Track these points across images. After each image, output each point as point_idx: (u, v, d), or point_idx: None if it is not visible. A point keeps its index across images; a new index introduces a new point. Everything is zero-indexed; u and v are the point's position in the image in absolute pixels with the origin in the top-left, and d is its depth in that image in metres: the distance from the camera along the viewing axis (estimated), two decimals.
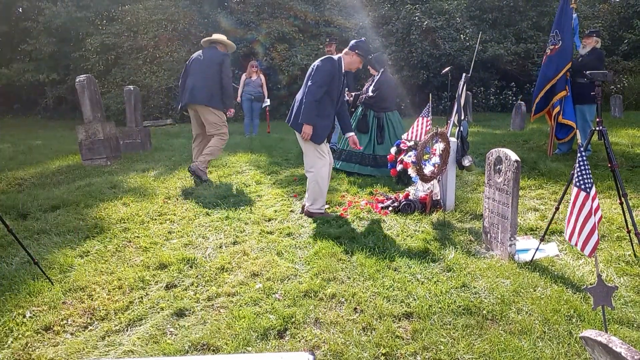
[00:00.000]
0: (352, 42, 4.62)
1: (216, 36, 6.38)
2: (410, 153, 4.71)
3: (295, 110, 4.57)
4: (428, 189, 4.72)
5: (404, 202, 4.67)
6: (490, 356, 2.30)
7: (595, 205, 2.63)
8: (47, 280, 3.15)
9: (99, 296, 2.99)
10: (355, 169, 6.29)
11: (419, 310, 2.72)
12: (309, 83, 4.42)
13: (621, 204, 3.49)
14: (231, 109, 6.20)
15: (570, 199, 2.79)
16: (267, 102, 10.75)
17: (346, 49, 4.60)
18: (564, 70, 6.52)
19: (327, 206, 4.84)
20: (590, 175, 2.67)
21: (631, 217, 3.30)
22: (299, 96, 4.60)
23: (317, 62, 4.51)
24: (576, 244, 2.68)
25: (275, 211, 4.78)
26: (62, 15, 16.42)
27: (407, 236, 3.98)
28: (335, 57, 4.54)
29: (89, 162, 7.43)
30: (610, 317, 2.60)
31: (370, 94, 6.30)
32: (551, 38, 6.68)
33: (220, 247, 3.82)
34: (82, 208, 4.89)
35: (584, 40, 6.91)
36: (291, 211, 4.79)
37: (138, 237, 4.07)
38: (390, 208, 4.73)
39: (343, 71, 4.54)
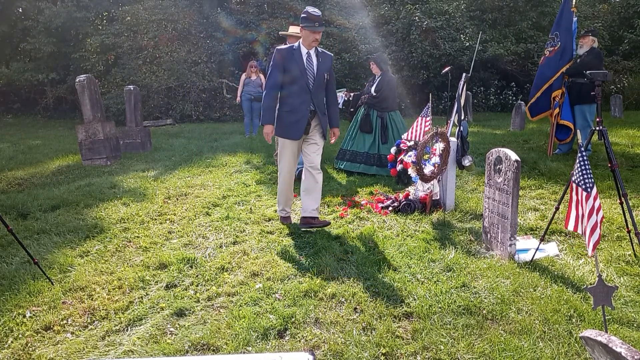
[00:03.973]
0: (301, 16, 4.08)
1: (291, 29, 6.26)
2: (410, 153, 4.71)
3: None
4: (428, 189, 4.72)
5: (404, 202, 4.67)
6: (490, 356, 2.30)
7: (597, 204, 2.63)
8: (47, 280, 3.15)
9: (99, 296, 2.98)
10: (360, 169, 6.30)
11: (419, 310, 2.72)
12: None
13: (621, 204, 3.49)
14: None
15: (570, 195, 2.80)
16: None
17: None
18: (562, 70, 6.59)
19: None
20: (591, 175, 2.67)
21: (631, 217, 3.30)
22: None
23: None
24: (575, 229, 2.73)
25: (275, 211, 4.77)
26: (62, 15, 16.39)
27: (407, 236, 3.98)
28: (290, 45, 4.23)
29: (89, 162, 7.42)
30: (610, 317, 2.60)
31: (373, 93, 6.30)
32: (550, 40, 6.74)
33: (220, 247, 3.82)
34: (82, 208, 4.89)
35: (580, 40, 6.95)
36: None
37: (138, 237, 4.07)
38: (390, 208, 4.73)
39: (307, 55, 4.04)
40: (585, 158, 2.69)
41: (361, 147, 6.33)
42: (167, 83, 15.79)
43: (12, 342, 2.51)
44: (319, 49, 4.13)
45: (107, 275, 3.30)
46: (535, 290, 2.94)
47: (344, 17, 15.91)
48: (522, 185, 5.45)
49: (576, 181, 2.72)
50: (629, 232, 3.50)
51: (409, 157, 4.67)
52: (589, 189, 2.63)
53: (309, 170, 4.17)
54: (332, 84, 4.25)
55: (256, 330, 2.53)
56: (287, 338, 2.50)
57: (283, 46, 4.22)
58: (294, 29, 6.24)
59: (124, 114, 9.87)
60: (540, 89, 6.80)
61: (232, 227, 4.27)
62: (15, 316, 2.75)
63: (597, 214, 2.61)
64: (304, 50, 4.05)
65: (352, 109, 6.70)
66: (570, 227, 2.88)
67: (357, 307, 2.79)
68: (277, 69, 4.04)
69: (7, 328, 2.64)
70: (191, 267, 3.41)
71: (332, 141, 4.34)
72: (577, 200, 2.76)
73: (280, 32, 6.55)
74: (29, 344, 2.48)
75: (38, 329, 2.62)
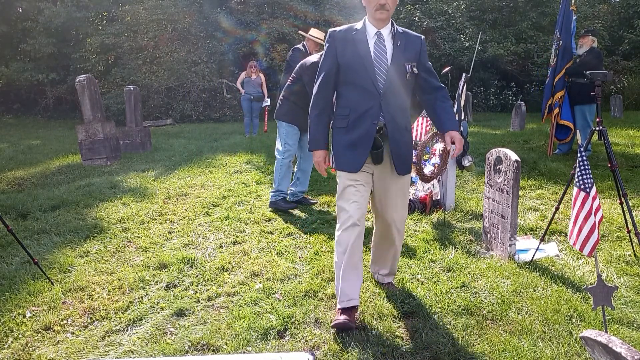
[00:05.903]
0: None
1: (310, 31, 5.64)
2: None
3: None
4: (428, 189, 4.72)
5: None
6: (490, 356, 2.30)
7: (596, 205, 2.62)
8: (47, 280, 3.15)
9: (99, 296, 2.98)
10: None
11: (419, 310, 2.72)
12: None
13: (621, 204, 3.49)
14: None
15: (571, 201, 2.79)
16: (267, 102, 10.81)
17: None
18: (564, 70, 6.60)
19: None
20: (591, 175, 2.67)
21: (631, 217, 3.30)
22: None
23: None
24: (574, 244, 2.68)
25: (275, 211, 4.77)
26: (61, 15, 16.40)
27: (407, 236, 3.98)
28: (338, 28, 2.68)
29: (89, 162, 7.42)
30: (610, 317, 2.59)
31: None
32: (556, 40, 6.74)
33: (220, 247, 3.82)
34: (82, 208, 4.89)
35: (580, 40, 6.95)
36: (291, 211, 4.79)
37: (138, 237, 4.07)
38: None
39: (377, 37, 2.54)
40: (584, 159, 2.69)
41: None
42: (167, 83, 15.79)
43: (12, 342, 2.51)
44: (399, 28, 2.61)
45: (107, 275, 3.30)
46: (535, 291, 2.94)
47: (344, 17, 15.91)
48: (522, 185, 5.45)
49: (577, 184, 2.70)
50: (629, 232, 3.50)
51: None
52: (588, 190, 2.63)
53: (385, 223, 2.87)
54: (432, 81, 2.70)
55: (256, 330, 2.53)
56: (287, 338, 2.50)
57: (337, 28, 2.68)
58: (310, 31, 5.36)
59: (124, 114, 9.88)
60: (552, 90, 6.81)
61: (232, 227, 4.27)
62: (15, 316, 2.75)
63: (595, 215, 2.60)
64: (371, 31, 2.55)
65: None
66: (569, 239, 2.78)
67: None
68: (327, 62, 2.63)
69: (7, 328, 2.63)
70: (191, 267, 3.41)
71: (453, 154, 2.68)
72: (574, 205, 2.70)
73: (299, 31, 5.98)
74: (29, 344, 2.48)
75: (38, 329, 2.61)
